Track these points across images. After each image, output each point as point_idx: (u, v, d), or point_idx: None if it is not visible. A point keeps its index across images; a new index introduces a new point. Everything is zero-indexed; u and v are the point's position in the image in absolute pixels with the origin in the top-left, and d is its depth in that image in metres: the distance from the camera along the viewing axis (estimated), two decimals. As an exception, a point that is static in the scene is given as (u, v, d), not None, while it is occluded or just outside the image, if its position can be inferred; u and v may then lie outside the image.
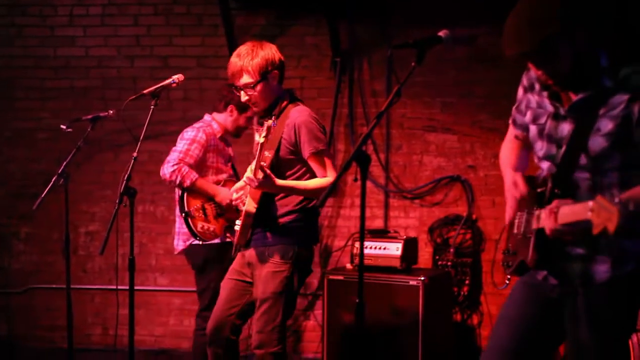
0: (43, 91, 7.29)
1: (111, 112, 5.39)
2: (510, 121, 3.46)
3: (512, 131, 3.48)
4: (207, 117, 5.62)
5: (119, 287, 5.46)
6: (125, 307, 4.85)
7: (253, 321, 4.46)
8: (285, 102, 4.43)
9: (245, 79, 4.35)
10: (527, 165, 3.46)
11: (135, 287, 4.80)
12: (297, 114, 4.34)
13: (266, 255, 4.38)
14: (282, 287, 4.36)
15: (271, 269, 4.36)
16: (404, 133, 6.89)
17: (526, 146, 3.45)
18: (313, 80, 6.97)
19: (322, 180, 4.32)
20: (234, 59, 4.40)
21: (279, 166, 4.36)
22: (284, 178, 4.36)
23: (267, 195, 4.37)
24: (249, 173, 4.22)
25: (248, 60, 4.33)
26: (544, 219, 2.93)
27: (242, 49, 4.40)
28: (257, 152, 4.20)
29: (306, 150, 4.30)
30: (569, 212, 2.77)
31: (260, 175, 4.15)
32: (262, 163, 4.15)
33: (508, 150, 3.51)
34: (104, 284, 7.14)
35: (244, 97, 4.42)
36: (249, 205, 4.39)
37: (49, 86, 7.29)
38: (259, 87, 4.36)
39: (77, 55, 7.25)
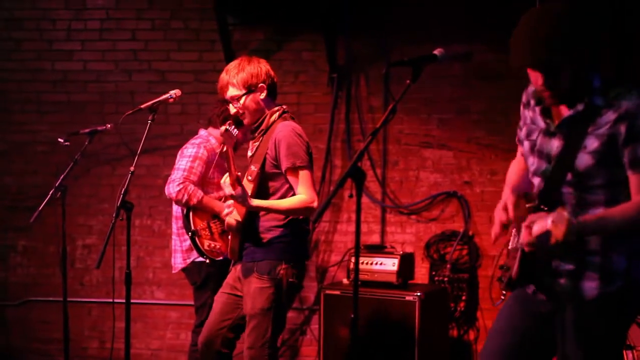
0: (40, 105, 7.31)
1: (109, 126, 5.39)
2: (517, 139, 3.50)
3: (519, 149, 3.52)
4: (203, 132, 5.61)
5: (116, 301, 5.48)
6: (121, 320, 4.86)
7: (244, 337, 4.47)
8: (273, 118, 4.46)
9: (232, 91, 4.44)
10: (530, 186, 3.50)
11: (132, 301, 4.81)
12: (281, 129, 4.37)
13: (254, 271, 4.38)
14: (269, 303, 4.35)
15: (259, 285, 4.36)
16: (401, 149, 6.91)
17: None
18: (310, 96, 7.00)
19: (294, 199, 4.33)
20: (222, 73, 4.49)
21: (265, 180, 4.39)
22: (269, 192, 4.39)
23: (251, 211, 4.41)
24: (226, 179, 4.27)
25: (234, 73, 4.42)
26: (521, 234, 2.97)
27: (231, 63, 4.50)
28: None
29: (283, 165, 4.32)
30: (540, 225, 2.80)
31: (239, 189, 4.19)
32: (237, 173, 4.18)
33: (514, 168, 3.54)
34: (101, 297, 7.14)
35: (232, 110, 4.52)
36: (232, 218, 4.43)
37: (46, 100, 7.30)
38: (244, 100, 4.44)
39: (75, 69, 7.27)
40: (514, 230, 3.32)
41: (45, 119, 7.28)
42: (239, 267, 4.52)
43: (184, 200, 5.17)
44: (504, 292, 3.36)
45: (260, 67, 4.44)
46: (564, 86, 2.97)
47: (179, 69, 7.15)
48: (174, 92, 4.95)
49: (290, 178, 4.35)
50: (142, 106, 4.85)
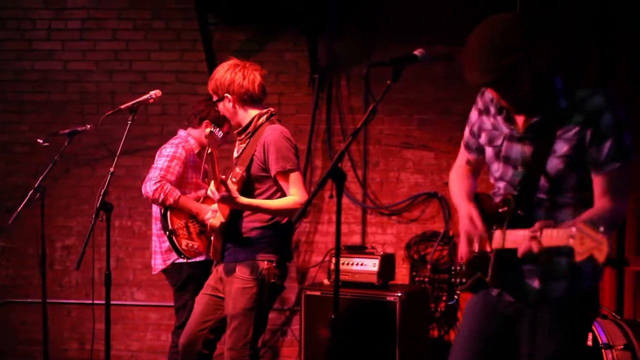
0: (21, 105, 7.26)
1: (88, 126, 5.37)
2: (462, 144, 3.48)
3: (463, 155, 3.50)
4: (182, 132, 5.60)
5: (96, 302, 5.45)
6: (101, 321, 4.84)
7: (225, 338, 4.46)
8: (261, 121, 4.47)
9: (213, 96, 4.55)
10: (476, 187, 3.49)
11: (112, 302, 4.80)
12: (269, 132, 4.38)
13: (236, 271, 4.39)
14: (251, 303, 4.36)
15: (240, 285, 4.36)
16: (381, 149, 6.92)
17: (475, 172, 3.49)
18: (291, 97, 7.00)
19: (286, 200, 4.35)
20: None
21: (250, 182, 4.40)
22: (254, 194, 4.39)
23: (236, 210, 4.40)
24: (212, 186, 4.26)
25: (209, 79, 4.53)
26: (521, 241, 2.90)
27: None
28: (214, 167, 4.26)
29: (273, 169, 4.33)
30: (553, 235, 2.77)
31: (223, 190, 4.19)
32: (222, 176, 4.18)
33: (458, 179, 3.50)
34: (81, 299, 7.12)
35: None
36: (215, 219, 4.43)
37: (26, 100, 7.26)
38: (219, 106, 4.54)
39: (55, 69, 7.23)
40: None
41: (26, 119, 7.25)
42: (220, 267, 4.52)
43: (160, 200, 5.16)
44: (458, 292, 3.35)
45: (226, 77, 4.44)
46: (524, 93, 2.95)
47: (160, 69, 7.13)
48: (154, 93, 4.95)
49: (281, 181, 4.36)
50: (122, 107, 4.84)
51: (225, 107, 4.49)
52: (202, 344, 4.53)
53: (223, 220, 4.41)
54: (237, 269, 4.39)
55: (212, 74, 4.53)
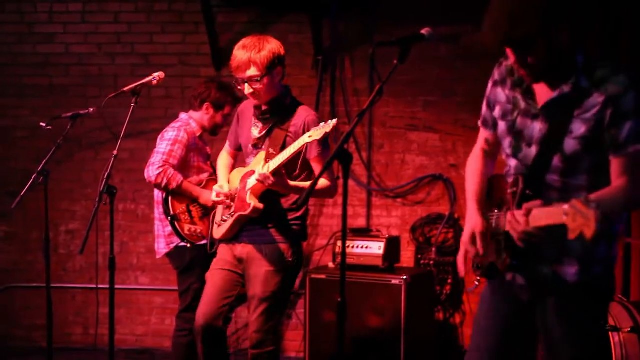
0: (22, 88, 7.24)
1: (92, 109, 5.33)
2: (480, 123, 3.41)
3: (482, 135, 3.42)
4: (184, 115, 5.55)
5: (100, 286, 5.45)
6: (106, 306, 4.83)
7: (250, 320, 4.41)
8: (288, 100, 4.41)
9: (253, 71, 4.24)
10: (492, 173, 3.42)
11: (116, 286, 4.80)
12: (306, 113, 4.34)
13: (265, 254, 4.35)
14: (281, 286, 4.35)
15: (271, 268, 4.33)
16: (386, 132, 6.88)
17: (492, 154, 3.40)
18: (295, 79, 6.91)
19: (324, 181, 4.28)
20: (239, 51, 4.27)
21: (283, 164, 4.26)
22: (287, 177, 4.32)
23: (270, 193, 4.28)
24: (261, 170, 4.13)
25: (255, 52, 4.23)
26: (511, 222, 2.87)
27: (248, 41, 4.29)
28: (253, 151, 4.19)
29: (313, 151, 4.26)
30: (543, 215, 2.72)
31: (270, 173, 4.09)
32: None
33: (473, 166, 3.41)
34: (85, 283, 7.10)
35: (247, 90, 4.29)
36: (255, 202, 4.26)
37: (28, 83, 7.23)
38: (264, 81, 4.27)
39: (57, 53, 7.20)
40: (489, 215, 3.22)
41: (27, 103, 7.22)
42: (239, 248, 4.44)
43: (163, 184, 5.12)
44: (478, 278, 3.30)
45: (279, 48, 4.33)
46: (540, 63, 2.90)
47: (162, 51, 7.09)
48: (158, 75, 4.93)
49: (316, 163, 4.31)
50: (125, 89, 4.82)
51: (274, 80, 4.34)
52: (222, 320, 4.46)
53: (256, 200, 4.28)
54: (266, 252, 4.35)
55: (257, 47, 4.26)
